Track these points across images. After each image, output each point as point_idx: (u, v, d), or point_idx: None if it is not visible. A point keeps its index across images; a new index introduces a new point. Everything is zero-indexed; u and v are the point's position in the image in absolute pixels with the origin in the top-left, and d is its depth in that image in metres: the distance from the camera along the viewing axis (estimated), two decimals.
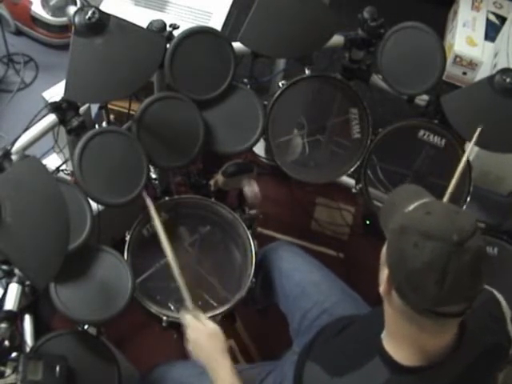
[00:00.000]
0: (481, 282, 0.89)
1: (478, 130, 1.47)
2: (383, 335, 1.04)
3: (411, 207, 0.95)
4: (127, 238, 1.53)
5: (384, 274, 0.95)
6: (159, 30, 1.50)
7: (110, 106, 1.70)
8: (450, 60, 2.51)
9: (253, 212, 1.67)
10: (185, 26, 1.53)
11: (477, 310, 0.94)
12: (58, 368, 1.23)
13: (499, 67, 1.90)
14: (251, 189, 1.63)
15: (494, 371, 1.10)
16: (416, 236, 0.88)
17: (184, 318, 1.27)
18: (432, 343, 0.98)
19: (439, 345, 0.98)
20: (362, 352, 1.05)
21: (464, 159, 1.37)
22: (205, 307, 1.48)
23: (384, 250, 0.97)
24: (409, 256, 0.88)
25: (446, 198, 1.21)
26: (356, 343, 1.14)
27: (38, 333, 1.39)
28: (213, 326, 1.25)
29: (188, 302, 1.31)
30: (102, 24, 1.31)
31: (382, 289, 0.96)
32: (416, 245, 0.87)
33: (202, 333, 1.24)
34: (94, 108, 1.89)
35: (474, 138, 1.46)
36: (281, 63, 2.00)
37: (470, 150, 1.44)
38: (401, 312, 0.95)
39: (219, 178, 1.65)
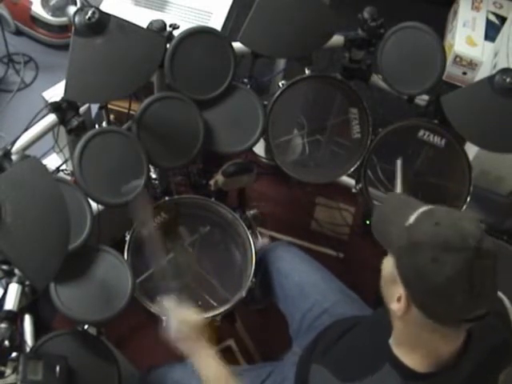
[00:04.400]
0: (497, 279, 0.89)
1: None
2: (391, 341, 1.03)
3: (411, 219, 0.92)
4: (127, 238, 1.53)
5: (395, 292, 0.93)
6: (159, 30, 1.49)
7: (110, 106, 1.70)
8: (450, 60, 2.51)
9: (253, 212, 1.67)
10: (185, 26, 1.53)
11: None
12: (58, 368, 1.23)
13: (499, 67, 1.90)
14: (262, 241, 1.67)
15: (503, 368, 1.09)
16: (432, 251, 0.86)
17: (167, 305, 1.26)
18: (447, 349, 0.97)
19: (453, 350, 0.98)
20: (370, 357, 1.05)
21: None
22: (205, 307, 1.48)
23: (389, 267, 0.95)
24: (430, 273, 0.86)
25: None
26: (362, 347, 1.13)
27: (38, 333, 1.39)
28: (196, 315, 1.25)
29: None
30: (102, 24, 1.31)
31: (397, 307, 0.94)
32: (435, 260, 0.86)
33: (187, 321, 1.24)
34: (94, 108, 1.89)
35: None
36: (281, 63, 2.00)
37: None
38: (421, 326, 0.94)
39: (219, 177, 1.65)
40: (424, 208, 0.95)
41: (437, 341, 0.96)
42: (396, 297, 0.93)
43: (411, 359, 0.98)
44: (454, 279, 0.85)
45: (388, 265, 0.96)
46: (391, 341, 1.03)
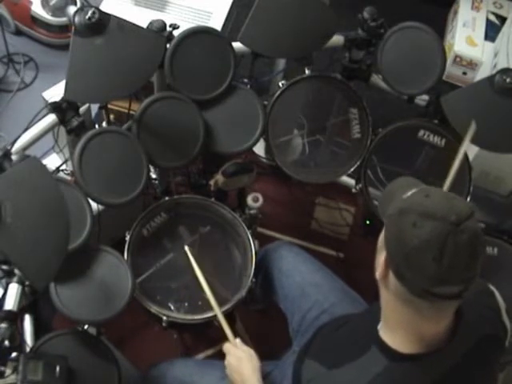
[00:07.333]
0: (477, 264, 0.90)
1: (472, 126, 1.40)
2: (380, 326, 1.04)
3: (409, 193, 0.96)
4: (127, 238, 1.53)
5: (381, 257, 0.95)
6: (159, 30, 1.50)
7: (110, 106, 1.70)
8: (449, 60, 2.51)
9: (253, 212, 1.67)
10: (185, 26, 1.53)
11: (472, 299, 0.95)
12: (58, 368, 1.23)
13: (499, 67, 1.90)
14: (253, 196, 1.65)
15: (492, 361, 1.10)
16: (415, 216, 0.89)
17: (224, 347, 1.33)
18: (429, 329, 0.98)
19: (436, 331, 0.98)
20: (359, 344, 1.06)
21: (461, 151, 1.33)
22: (205, 307, 1.48)
23: (382, 235, 0.97)
24: (407, 236, 0.89)
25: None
26: (353, 337, 1.14)
27: (37, 333, 1.39)
28: (246, 349, 1.30)
29: (230, 336, 1.35)
30: (102, 24, 1.31)
31: (378, 273, 0.97)
32: (415, 224, 0.88)
33: (237, 357, 1.29)
34: (94, 108, 1.89)
35: (470, 133, 1.40)
36: (281, 63, 2.00)
37: (466, 144, 1.38)
38: (397, 295, 0.95)
39: (219, 177, 1.65)
40: (426, 187, 0.99)
41: (414, 317, 0.96)
42: (381, 262, 0.95)
43: (396, 341, 0.99)
44: (426, 245, 0.87)
45: (381, 234, 0.98)
46: (380, 325, 1.04)
